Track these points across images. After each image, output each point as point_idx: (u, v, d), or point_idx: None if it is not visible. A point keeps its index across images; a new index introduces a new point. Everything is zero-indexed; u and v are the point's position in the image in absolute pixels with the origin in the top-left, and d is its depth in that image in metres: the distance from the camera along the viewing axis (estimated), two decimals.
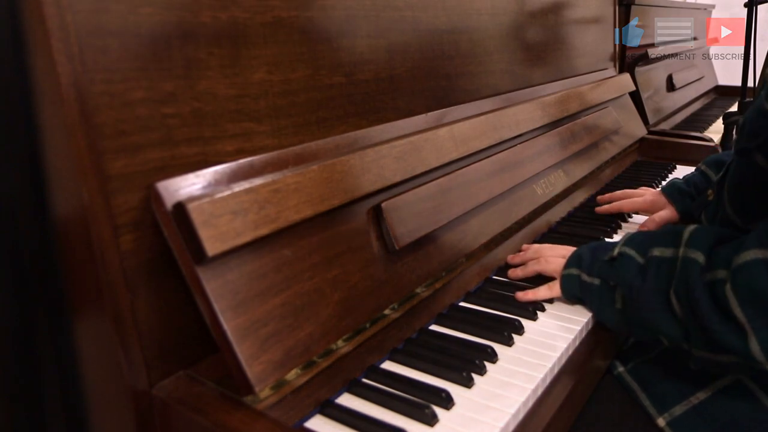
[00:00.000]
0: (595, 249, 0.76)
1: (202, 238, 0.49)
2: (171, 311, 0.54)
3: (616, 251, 0.71)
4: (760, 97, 0.66)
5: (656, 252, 0.67)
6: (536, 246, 0.87)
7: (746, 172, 0.70)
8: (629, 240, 0.72)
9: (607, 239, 0.98)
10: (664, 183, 1.27)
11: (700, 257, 0.61)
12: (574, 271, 0.76)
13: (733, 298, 0.56)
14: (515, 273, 0.84)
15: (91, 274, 0.50)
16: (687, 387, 0.69)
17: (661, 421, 0.68)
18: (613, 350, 0.79)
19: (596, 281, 0.72)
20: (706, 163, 1.06)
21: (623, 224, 1.06)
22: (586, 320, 0.74)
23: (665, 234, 0.69)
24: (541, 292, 0.78)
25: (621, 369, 0.76)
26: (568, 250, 0.80)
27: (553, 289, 0.78)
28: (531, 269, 0.83)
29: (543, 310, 0.76)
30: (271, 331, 0.53)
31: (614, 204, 1.08)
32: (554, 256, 0.81)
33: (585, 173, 1.20)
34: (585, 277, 0.74)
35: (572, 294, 0.76)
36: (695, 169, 1.08)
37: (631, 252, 0.70)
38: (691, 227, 0.67)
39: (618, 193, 1.11)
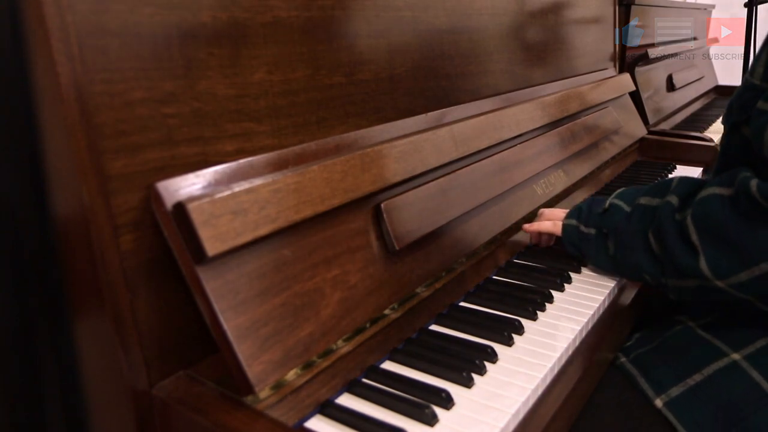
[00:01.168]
0: (591, 203, 0.87)
1: (202, 238, 0.49)
2: (171, 311, 0.54)
3: (607, 203, 0.83)
4: (748, 72, 0.73)
5: (642, 201, 0.77)
6: (548, 210, 0.99)
7: (738, 144, 0.75)
8: (619, 194, 0.83)
9: None
10: None
11: (674, 200, 0.71)
12: (573, 221, 0.87)
13: (691, 226, 0.66)
14: (526, 227, 0.95)
15: (91, 274, 0.50)
16: (684, 370, 0.71)
17: (658, 402, 0.70)
18: (616, 347, 0.79)
19: (592, 231, 0.83)
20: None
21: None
22: (586, 320, 0.74)
23: (654, 186, 0.79)
24: (544, 224, 0.92)
25: (623, 359, 0.77)
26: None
27: (556, 225, 0.90)
28: (537, 222, 0.95)
29: (543, 309, 0.76)
30: (271, 331, 0.53)
31: (543, 213, 1.11)
32: (558, 210, 0.96)
33: (585, 173, 1.20)
34: (582, 228, 0.85)
35: (570, 241, 0.87)
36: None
37: (620, 203, 0.81)
38: (678, 177, 0.76)
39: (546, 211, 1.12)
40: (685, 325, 0.77)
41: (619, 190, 0.84)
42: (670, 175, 1.42)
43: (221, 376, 0.55)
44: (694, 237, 0.66)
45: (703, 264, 0.65)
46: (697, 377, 0.70)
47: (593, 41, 1.48)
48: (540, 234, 0.95)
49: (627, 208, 0.79)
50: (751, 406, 0.66)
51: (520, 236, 0.96)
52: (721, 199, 0.65)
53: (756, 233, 0.61)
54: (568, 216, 0.88)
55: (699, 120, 2.20)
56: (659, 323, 0.81)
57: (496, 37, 1.04)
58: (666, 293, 0.75)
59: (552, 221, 0.91)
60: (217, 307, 0.50)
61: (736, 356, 0.69)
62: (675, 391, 0.70)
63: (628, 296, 0.84)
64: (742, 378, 0.67)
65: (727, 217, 0.63)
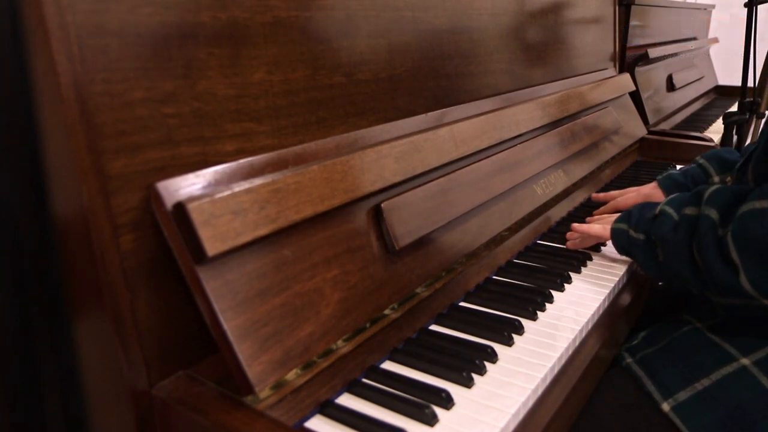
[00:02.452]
0: (642, 207, 0.85)
1: (202, 238, 0.49)
2: (171, 311, 0.54)
3: (657, 209, 0.80)
4: None
5: (687, 210, 0.75)
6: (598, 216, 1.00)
7: None
8: (670, 200, 0.80)
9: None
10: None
11: (714, 214, 0.69)
12: (623, 225, 0.85)
13: (731, 243, 0.65)
14: (581, 227, 0.95)
15: (91, 274, 0.50)
16: (692, 374, 0.70)
17: (666, 406, 0.69)
18: (615, 347, 0.79)
19: (641, 236, 0.81)
20: (705, 158, 1.07)
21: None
22: (586, 320, 0.74)
23: (693, 194, 0.77)
24: (594, 228, 0.92)
25: (629, 360, 0.77)
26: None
27: (606, 229, 0.89)
28: (590, 224, 0.94)
29: (543, 309, 0.76)
30: (271, 331, 0.53)
31: (610, 205, 1.09)
32: (610, 217, 0.94)
33: (585, 173, 1.20)
34: (632, 233, 0.83)
35: (621, 245, 0.86)
36: (693, 162, 1.09)
37: (670, 210, 0.78)
38: (712, 188, 0.74)
39: (614, 192, 1.11)
40: (693, 326, 0.77)
41: (671, 196, 0.81)
42: None
43: (221, 376, 0.55)
44: (734, 254, 0.64)
45: (744, 281, 0.64)
46: (705, 382, 0.69)
47: (593, 41, 1.48)
48: (585, 238, 0.93)
49: (676, 217, 0.76)
50: (759, 412, 0.65)
51: (520, 236, 0.96)
52: (761, 213, 0.62)
53: None
54: (618, 220, 0.86)
55: (699, 120, 2.20)
56: (666, 323, 0.81)
57: (496, 37, 1.04)
58: (690, 348, 0.74)
59: (602, 225, 0.91)
60: (217, 307, 0.50)
61: (745, 361, 0.69)
62: (683, 395, 0.69)
63: (629, 296, 0.84)
64: (751, 384, 0.67)
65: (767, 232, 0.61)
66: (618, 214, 0.89)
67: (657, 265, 0.79)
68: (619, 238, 0.85)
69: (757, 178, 0.76)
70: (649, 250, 0.79)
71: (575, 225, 0.95)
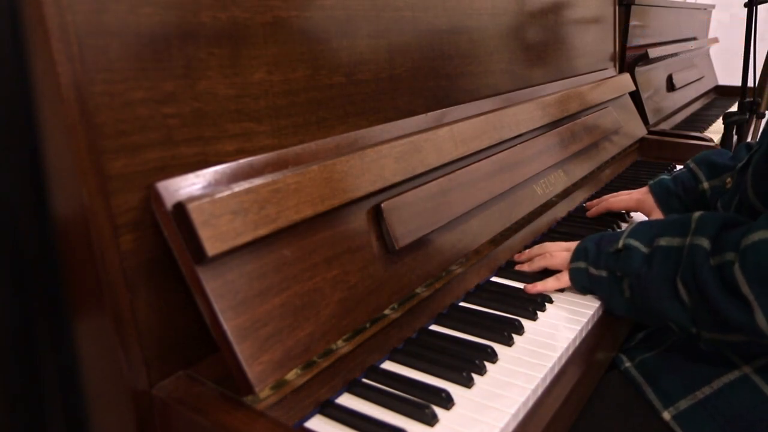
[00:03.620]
0: (599, 241, 0.78)
1: (202, 238, 0.49)
2: (171, 311, 0.54)
3: (620, 243, 0.74)
4: None
5: (663, 242, 0.69)
6: (540, 244, 0.89)
7: None
8: (633, 231, 0.74)
9: None
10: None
11: (705, 243, 0.64)
12: (581, 264, 0.79)
13: (741, 277, 0.58)
14: (522, 268, 0.87)
15: (91, 274, 0.50)
16: (693, 382, 0.70)
17: (666, 415, 0.69)
18: (614, 348, 0.79)
19: (604, 273, 0.76)
20: (696, 161, 1.05)
21: (623, 224, 1.06)
22: (586, 320, 0.74)
23: (671, 224, 0.71)
24: (549, 284, 0.81)
25: (628, 364, 0.76)
26: (571, 245, 0.83)
27: (561, 279, 0.80)
28: (537, 264, 0.85)
29: (543, 309, 0.76)
30: (271, 331, 0.53)
31: (602, 204, 1.08)
32: (559, 251, 0.84)
33: (585, 173, 1.20)
34: (592, 270, 0.77)
35: (581, 285, 0.79)
36: (684, 167, 1.08)
37: (636, 243, 0.72)
38: (697, 214, 0.69)
39: (607, 195, 1.11)
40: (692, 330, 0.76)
41: (631, 227, 0.76)
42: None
43: (221, 376, 0.55)
44: (746, 290, 0.58)
45: (761, 320, 0.58)
46: (707, 390, 0.68)
47: (593, 41, 1.48)
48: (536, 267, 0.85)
49: (644, 249, 0.71)
50: (761, 421, 0.65)
51: (520, 236, 0.96)
52: None
53: None
54: (574, 259, 0.80)
55: (699, 120, 2.20)
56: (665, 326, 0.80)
57: (496, 37, 1.04)
58: (690, 353, 0.71)
59: (556, 277, 0.81)
60: (217, 307, 0.50)
61: (746, 369, 0.68)
62: (683, 404, 0.68)
63: None
64: (753, 392, 0.66)
65: None
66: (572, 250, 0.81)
67: (624, 301, 0.74)
68: (578, 278, 0.79)
69: (757, 183, 0.75)
70: (614, 285, 0.74)
71: (526, 285, 0.82)
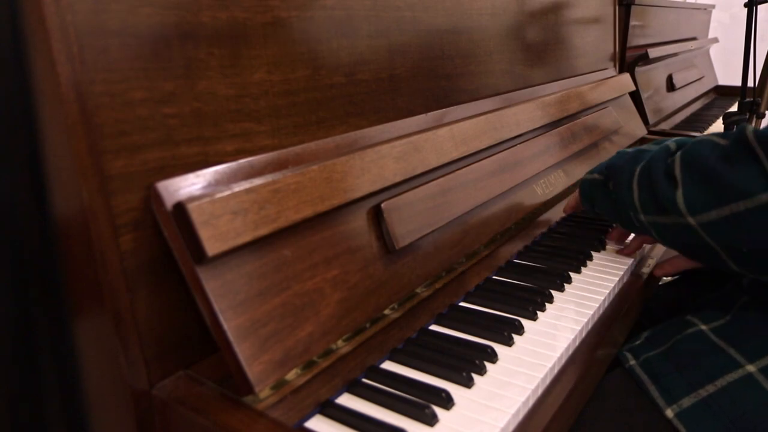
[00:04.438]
0: (611, 158, 0.89)
1: (202, 238, 0.49)
2: (171, 311, 0.54)
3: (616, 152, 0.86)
4: None
5: (644, 147, 0.82)
6: None
7: None
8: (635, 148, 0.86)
9: (607, 239, 0.98)
10: None
11: (672, 145, 0.76)
12: (588, 176, 0.91)
13: (677, 161, 0.70)
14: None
15: (91, 274, 0.50)
16: (696, 380, 0.70)
17: (669, 413, 0.69)
18: (615, 347, 0.79)
19: (600, 177, 0.87)
20: None
21: None
22: (586, 320, 0.74)
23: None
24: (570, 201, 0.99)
25: (632, 362, 0.76)
26: None
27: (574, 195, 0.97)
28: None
29: (543, 309, 0.76)
30: (271, 331, 0.53)
31: None
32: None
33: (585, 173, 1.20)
34: (595, 176, 0.89)
35: (584, 193, 0.91)
36: None
37: (626, 149, 0.85)
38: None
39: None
40: (698, 328, 0.76)
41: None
42: None
43: (221, 376, 0.55)
44: (677, 171, 0.69)
45: (679, 197, 0.68)
46: (710, 388, 0.68)
47: (593, 41, 1.48)
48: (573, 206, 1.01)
49: (631, 151, 0.82)
50: (765, 420, 0.64)
51: (520, 236, 0.96)
52: (713, 144, 0.67)
53: (736, 171, 0.62)
54: (589, 172, 0.92)
55: (699, 120, 2.20)
56: (669, 323, 0.80)
57: (496, 37, 1.04)
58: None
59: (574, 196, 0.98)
60: (217, 307, 0.50)
61: (751, 368, 0.68)
62: (687, 402, 0.68)
63: (629, 296, 0.84)
64: (757, 391, 0.66)
65: (714, 159, 0.65)
66: None
67: (609, 201, 0.84)
68: (584, 186, 0.91)
69: None
70: (605, 186, 0.85)
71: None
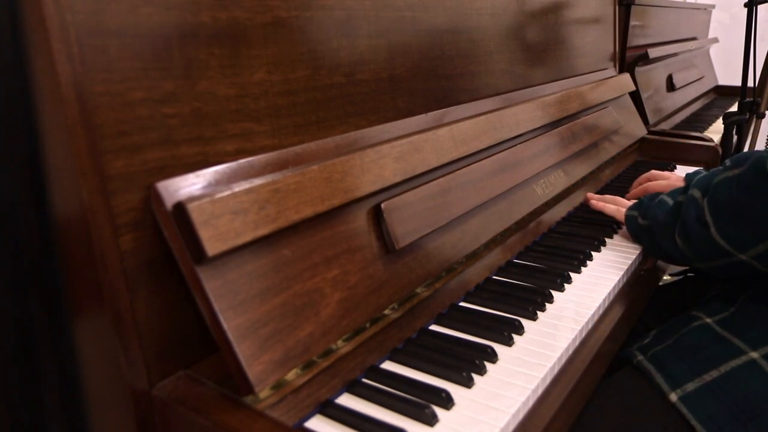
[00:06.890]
0: (651, 197, 0.95)
1: (202, 238, 0.49)
2: (171, 311, 0.54)
3: (657, 198, 0.91)
4: None
5: (680, 198, 0.85)
6: (613, 196, 1.10)
7: None
8: (672, 191, 0.91)
9: (607, 239, 0.98)
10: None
11: (696, 193, 0.80)
12: (634, 213, 0.96)
13: (706, 208, 0.76)
14: (597, 204, 1.08)
15: (91, 274, 0.50)
16: (700, 367, 0.71)
17: (673, 396, 0.70)
18: (616, 347, 0.79)
19: (646, 223, 0.91)
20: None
21: (624, 225, 1.06)
22: (586, 320, 0.74)
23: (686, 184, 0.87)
24: (609, 208, 1.05)
25: (640, 357, 0.77)
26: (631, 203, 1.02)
27: (620, 212, 1.02)
28: (601, 205, 1.08)
29: (543, 309, 0.76)
30: (271, 331, 0.53)
31: (640, 188, 1.15)
32: (623, 208, 1.04)
33: (585, 173, 1.20)
34: (640, 220, 0.93)
35: (632, 230, 0.97)
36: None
37: (667, 198, 0.89)
38: (696, 172, 0.91)
39: (608, 196, 1.11)
40: (703, 321, 0.77)
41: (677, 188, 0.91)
42: None
43: (221, 376, 0.55)
44: (708, 216, 0.75)
45: (714, 233, 0.73)
46: (714, 373, 0.70)
47: (593, 41, 1.48)
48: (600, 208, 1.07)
49: (671, 203, 0.86)
50: (767, 403, 0.65)
51: (520, 236, 0.96)
52: (730, 180, 0.72)
53: (766, 204, 0.67)
54: (631, 208, 0.98)
55: (699, 120, 2.20)
56: (675, 320, 0.81)
57: (496, 37, 1.04)
58: (699, 344, 0.78)
59: (617, 207, 1.03)
60: (217, 307, 0.50)
61: (754, 354, 0.69)
62: (690, 386, 0.70)
63: (630, 296, 0.84)
64: (760, 375, 0.67)
65: (737, 193, 0.70)
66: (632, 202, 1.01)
67: (658, 248, 0.89)
68: (630, 223, 0.96)
69: None
70: (652, 234, 0.89)
71: (593, 199, 1.09)
